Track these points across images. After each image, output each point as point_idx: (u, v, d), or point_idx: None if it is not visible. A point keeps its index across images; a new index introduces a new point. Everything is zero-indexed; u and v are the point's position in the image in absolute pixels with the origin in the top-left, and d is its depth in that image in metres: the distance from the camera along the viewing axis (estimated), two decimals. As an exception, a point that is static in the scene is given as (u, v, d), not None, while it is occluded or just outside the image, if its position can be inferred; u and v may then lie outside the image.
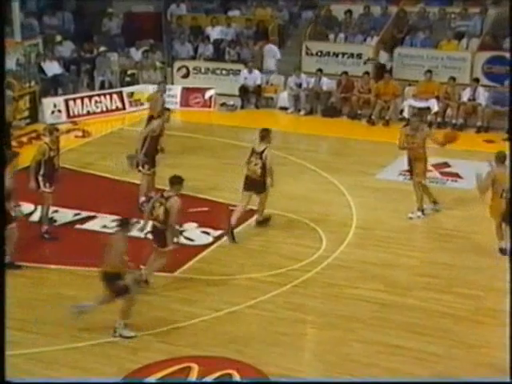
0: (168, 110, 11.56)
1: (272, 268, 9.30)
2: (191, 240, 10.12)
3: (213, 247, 9.95)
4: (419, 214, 10.58)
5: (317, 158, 13.22)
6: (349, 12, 17.59)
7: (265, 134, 10.19)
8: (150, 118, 12.45)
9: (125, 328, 7.85)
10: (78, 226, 10.46)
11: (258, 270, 9.26)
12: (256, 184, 10.18)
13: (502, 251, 9.50)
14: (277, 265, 9.35)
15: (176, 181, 8.74)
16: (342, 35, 17.43)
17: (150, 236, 9.07)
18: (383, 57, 16.71)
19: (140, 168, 10.87)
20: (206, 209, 10.99)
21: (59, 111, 15.74)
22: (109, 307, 8.20)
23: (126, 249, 7.84)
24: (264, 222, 10.44)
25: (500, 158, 9.51)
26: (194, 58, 18.03)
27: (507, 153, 9.76)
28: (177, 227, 8.83)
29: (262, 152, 10.09)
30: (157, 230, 8.76)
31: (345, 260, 9.54)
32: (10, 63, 16.10)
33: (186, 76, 17.65)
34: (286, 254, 9.65)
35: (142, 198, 10.79)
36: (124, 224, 7.95)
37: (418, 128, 10.63)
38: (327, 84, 16.47)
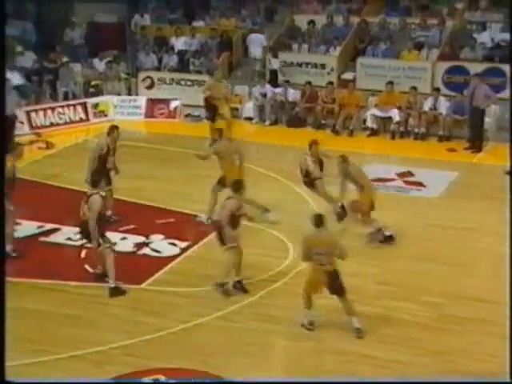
0: (116, 127, 10.93)
1: (240, 277, 9.20)
2: (158, 252, 10.05)
3: (180, 259, 9.89)
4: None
5: (282, 167, 13.25)
6: (312, 22, 17.75)
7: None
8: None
9: None
10: (42, 239, 10.29)
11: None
12: None
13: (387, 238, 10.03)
14: (244, 275, 9.27)
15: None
16: (305, 45, 17.58)
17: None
18: (274, 63, 16.89)
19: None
20: (172, 220, 10.91)
21: (21, 122, 15.51)
22: (76, 320, 8.09)
23: None
24: None
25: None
26: (158, 68, 17.99)
27: None
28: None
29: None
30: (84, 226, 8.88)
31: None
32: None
33: (150, 87, 17.57)
34: (253, 264, 9.59)
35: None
36: None
37: None
38: (292, 94, 16.56)
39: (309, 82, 16.44)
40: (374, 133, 15.59)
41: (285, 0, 19.21)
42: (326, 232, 8.09)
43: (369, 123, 15.68)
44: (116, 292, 8.85)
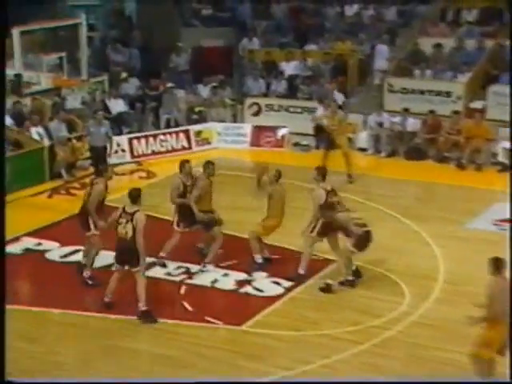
0: (187, 161, 10.92)
1: (348, 324, 9.20)
2: (261, 291, 10.14)
3: (284, 299, 9.93)
4: None
5: (399, 203, 13.09)
6: (438, 46, 17.55)
7: None
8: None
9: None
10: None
11: (332, 326, 9.17)
12: None
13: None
14: (353, 320, 9.24)
15: (136, 194, 9.31)
16: (429, 71, 17.39)
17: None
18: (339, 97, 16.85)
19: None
20: (276, 256, 11.00)
21: (123, 151, 16.23)
22: (171, 361, 8.22)
23: None
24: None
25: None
26: (266, 94, 18.37)
27: None
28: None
29: None
30: (126, 248, 9.11)
31: (430, 318, 9.32)
32: (75, 102, 16.79)
33: (257, 114, 17.95)
34: (363, 309, 9.53)
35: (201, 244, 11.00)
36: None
37: None
38: (412, 124, 16.40)
39: (431, 111, 16.24)
40: (505, 168, 15.10)
41: (409, 22, 19.18)
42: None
43: (500, 157, 15.22)
44: (146, 318, 9.07)
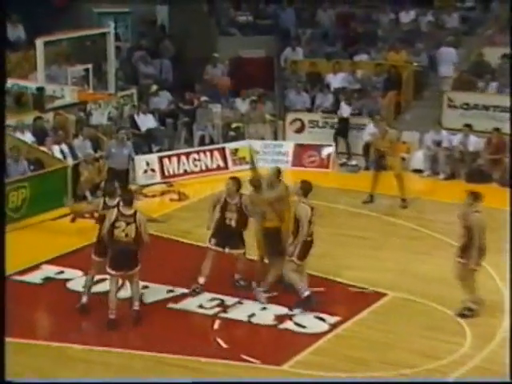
0: (234, 178, 11.10)
1: (400, 366, 9.11)
2: (303, 327, 10.10)
3: (328, 336, 9.90)
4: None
5: (457, 231, 12.93)
6: (505, 56, 17.45)
7: None
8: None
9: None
10: (170, 305, 10.71)
11: (382, 368, 9.11)
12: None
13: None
14: (406, 362, 9.16)
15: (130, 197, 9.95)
16: (494, 84, 17.28)
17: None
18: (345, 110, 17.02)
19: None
20: (321, 289, 10.99)
21: (153, 170, 16.42)
22: None
23: None
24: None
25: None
26: (310, 109, 18.44)
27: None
28: None
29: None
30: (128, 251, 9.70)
31: (496, 362, 9.17)
32: (101, 117, 17.05)
33: (300, 130, 18.04)
34: (418, 350, 9.44)
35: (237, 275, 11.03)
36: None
37: None
38: (474, 143, 16.28)
39: (496, 129, 16.11)
40: None
41: (473, 30, 19.12)
42: None
43: None
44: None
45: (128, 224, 9.75)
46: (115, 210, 9.88)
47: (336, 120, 17.65)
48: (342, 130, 17.40)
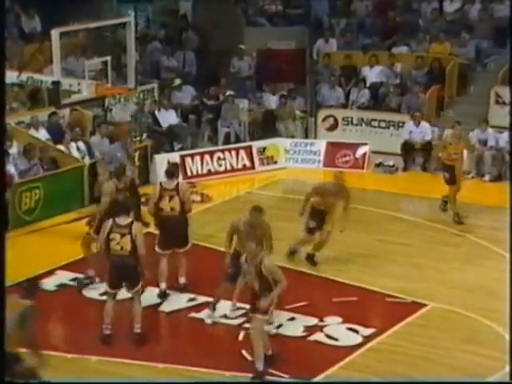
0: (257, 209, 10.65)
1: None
2: (334, 339, 10.13)
3: (362, 350, 9.89)
4: None
5: (504, 237, 12.87)
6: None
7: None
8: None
9: None
10: (192, 315, 10.78)
11: (421, 385, 9.12)
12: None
13: None
14: (446, 379, 9.12)
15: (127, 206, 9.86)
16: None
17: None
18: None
19: None
20: (354, 299, 11.00)
21: (174, 169, 16.48)
22: None
23: None
24: None
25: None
26: (344, 105, 18.44)
27: None
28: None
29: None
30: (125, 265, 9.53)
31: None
32: (121, 113, 17.15)
33: (333, 128, 18.03)
34: (459, 366, 9.41)
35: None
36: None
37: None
38: (523, 142, 16.18)
39: (547, 127, 16.00)
40: None
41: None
42: None
43: None
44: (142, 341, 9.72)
45: (123, 235, 9.54)
46: (110, 220, 9.70)
47: (373, 117, 17.53)
48: None
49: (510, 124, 15.51)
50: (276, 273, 8.94)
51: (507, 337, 9.87)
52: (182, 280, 11.26)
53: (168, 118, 17.64)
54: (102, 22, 16.27)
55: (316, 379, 9.27)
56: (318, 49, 19.91)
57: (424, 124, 16.94)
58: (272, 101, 18.60)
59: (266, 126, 18.00)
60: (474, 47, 18.72)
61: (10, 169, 14.00)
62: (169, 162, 16.29)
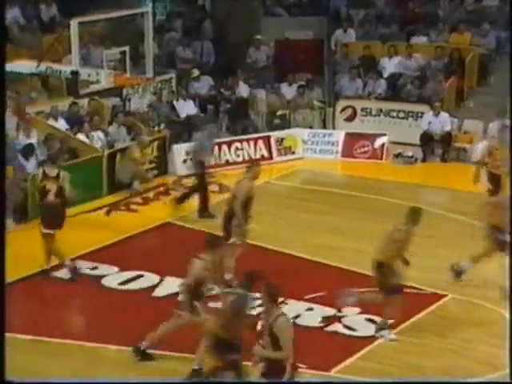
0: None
1: (464, 375, 9.07)
2: (352, 329, 10.13)
3: (380, 340, 9.88)
4: None
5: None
6: None
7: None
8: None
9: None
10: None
11: (440, 375, 9.08)
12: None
13: None
14: (471, 372, 9.12)
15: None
16: None
17: None
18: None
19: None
20: (372, 289, 10.95)
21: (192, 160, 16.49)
22: None
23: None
24: None
25: None
26: (362, 96, 18.40)
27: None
28: None
29: None
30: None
31: None
32: (139, 103, 17.19)
33: (351, 119, 18.01)
34: (484, 359, 9.39)
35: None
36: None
37: None
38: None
39: None
40: None
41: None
42: None
43: None
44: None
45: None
46: None
47: (392, 107, 17.50)
48: None
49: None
50: (284, 339, 7.85)
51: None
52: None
53: (186, 107, 17.67)
54: (120, 11, 16.29)
55: (334, 370, 9.27)
56: (337, 39, 19.87)
57: (443, 114, 16.87)
58: (289, 91, 18.54)
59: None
60: (494, 37, 18.60)
61: (22, 161, 14.07)
62: (187, 153, 16.34)
